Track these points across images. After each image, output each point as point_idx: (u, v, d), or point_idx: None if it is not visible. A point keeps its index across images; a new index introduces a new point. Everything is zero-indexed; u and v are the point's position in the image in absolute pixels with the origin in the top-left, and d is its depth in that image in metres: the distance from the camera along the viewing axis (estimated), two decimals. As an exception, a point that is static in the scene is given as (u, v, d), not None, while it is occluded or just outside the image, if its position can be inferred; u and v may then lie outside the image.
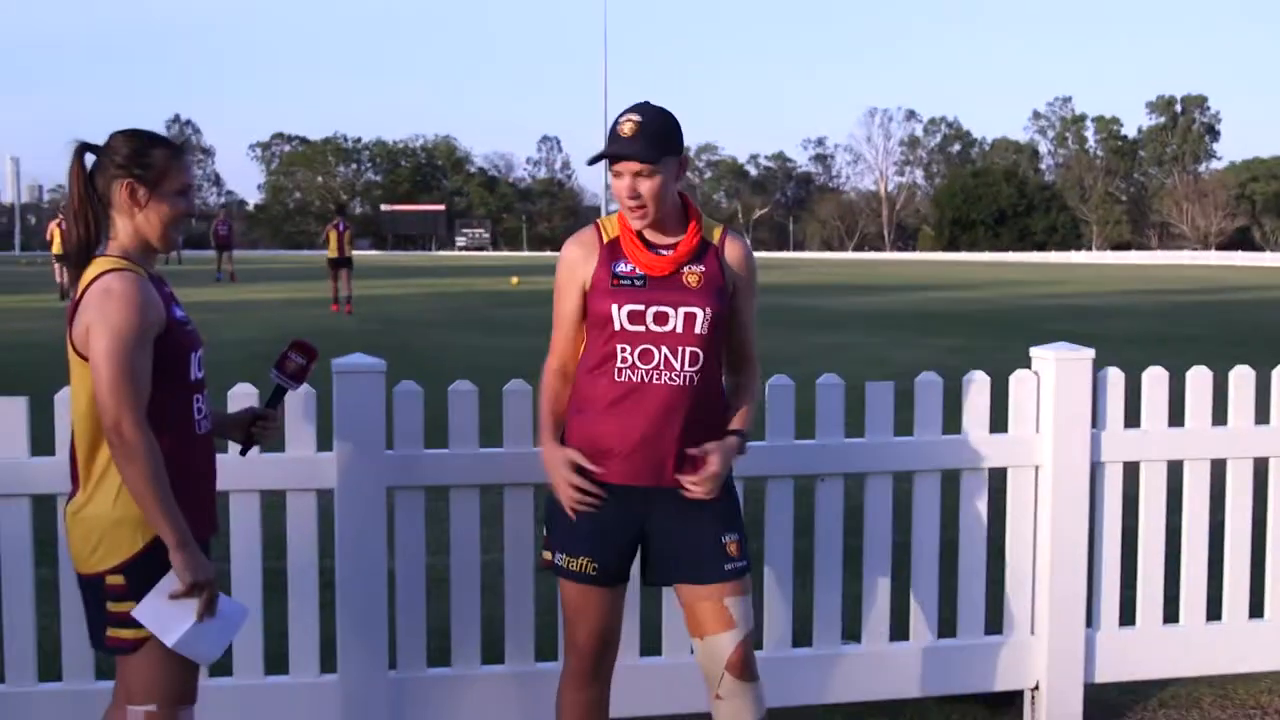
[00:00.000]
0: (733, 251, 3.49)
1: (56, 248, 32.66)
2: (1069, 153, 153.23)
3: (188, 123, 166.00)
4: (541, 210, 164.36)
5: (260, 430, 3.43)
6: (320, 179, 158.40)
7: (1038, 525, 4.57)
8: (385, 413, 4.08)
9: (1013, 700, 4.64)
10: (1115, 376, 4.62)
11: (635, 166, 3.32)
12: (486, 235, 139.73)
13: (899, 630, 4.58)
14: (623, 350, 3.38)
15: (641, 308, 3.37)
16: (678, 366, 3.37)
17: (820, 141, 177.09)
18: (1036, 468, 4.56)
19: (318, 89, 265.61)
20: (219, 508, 3.36)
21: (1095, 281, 46.64)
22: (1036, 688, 4.59)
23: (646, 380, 3.37)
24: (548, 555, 3.50)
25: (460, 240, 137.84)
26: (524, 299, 31.16)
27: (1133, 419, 4.66)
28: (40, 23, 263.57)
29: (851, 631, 4.59)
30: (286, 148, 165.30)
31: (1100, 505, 4.63)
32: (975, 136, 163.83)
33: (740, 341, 3.56)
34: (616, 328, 3.38)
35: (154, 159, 3.09)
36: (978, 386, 4.52)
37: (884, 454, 4.44)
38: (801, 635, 4.49)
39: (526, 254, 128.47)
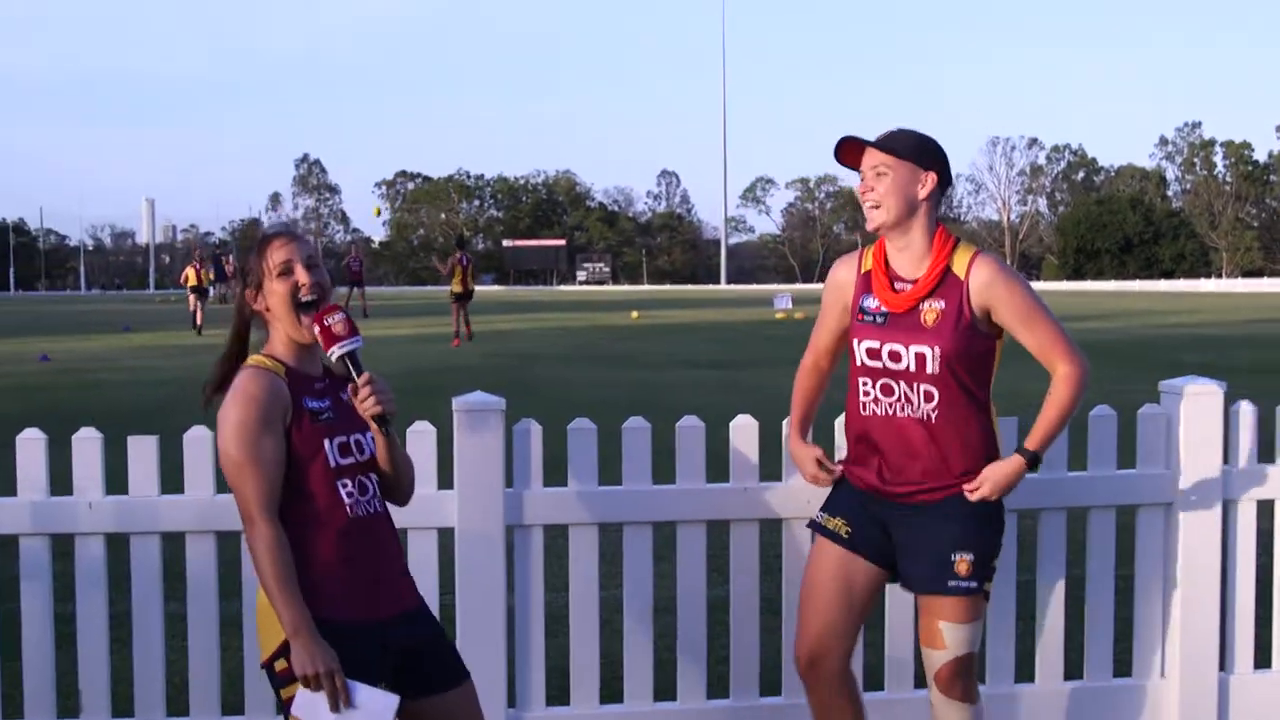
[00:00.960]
0: (979, 278, 3.50)
1: (192, 282, 33.59)
2: (1197, 178, 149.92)
3: (315, 161, 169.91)
4: (661, 244, 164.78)
5: (368, 405, 3.08)
6: (444, 215, 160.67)
7: (1168, 564, 4.44)
8: (505, 450, 4.10)
9: (1144, 745, 4.51)
10: (1247, 410, 4.48)
11: (874, 160, 3.49)
12: (607, 269, 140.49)
13: (1024, 672, 4.47)
14: (864, 384, 3.59)
15: (877, 345, 3.54)
16: (916, 402, 3.50)
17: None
18: (1167, 505, 4.43)
19: (440, 126, 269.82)
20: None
21: (1225, 310, 45.48)
22: (1169, 731, 4.45)
23: (889, 414, 3.55)
24: (816, 516, 3.79)
25: (581, 274, 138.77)
26: (644, 333, 31.25)
27: (1266, 453, 4.51)
28: (170, 63, 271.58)
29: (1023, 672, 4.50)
30: (410, 185, 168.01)
31: (1233, 543, 4.48)
32: (1100, 164, 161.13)
33: (1038, 350, 3.59)
34: (858, 363, 3.59)
35: (250, 264, 3.16)
36: (1105, 422, 4.42)
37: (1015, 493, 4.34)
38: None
39: (646, 287, 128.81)
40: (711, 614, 4.38)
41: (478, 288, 26.72)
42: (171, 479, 4.12)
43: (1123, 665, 4.52)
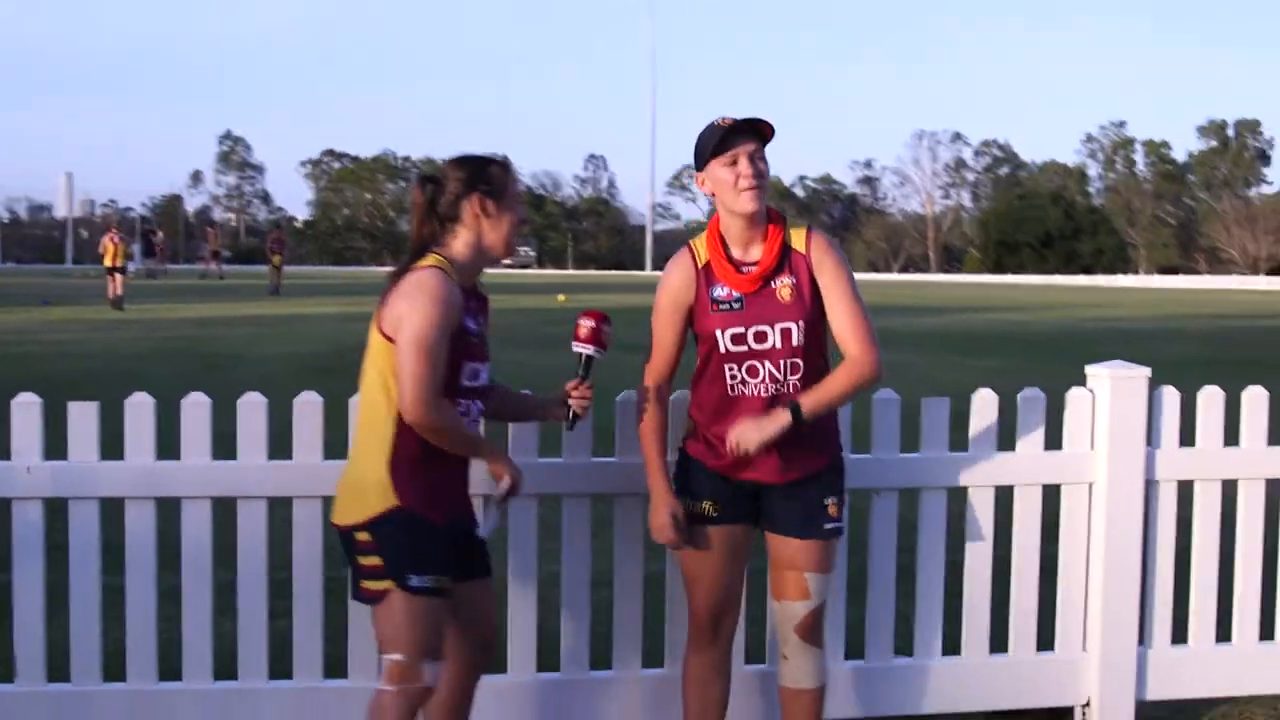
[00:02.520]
0: (818, 249, 3.65)
1: (109, 260, 33.09)
2: (1118, 176, 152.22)
3: (239, 139, 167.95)
4: (587, 229, 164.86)
5: (578, 400, 3.73)
6: (369, 196, 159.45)
7: (1091, 542, 4.57)
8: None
9: (1064, 717, 4.64)
10: (1171, 395, 4.62)
11: (756, 144, 3.58)
12: (532, 253, 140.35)
13: (951, 645, 4.59)
14: (730, 368, 3.65)
15: (742, 329, 3.61)
16: (781, 377, 3.61)
17: (868, 164, 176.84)
18: (1090, 484, 4.56)
19: (367, 106, 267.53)
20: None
21: (1143, 305, 46.28)
22: (1088, 704, 4.59)
23: (756, 394, 3.63)
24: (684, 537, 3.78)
25: (505, 259, 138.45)
26: (572, 316, 31.18)
27: (1186, 440, 4.65)
28: (91, 37, 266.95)
29: (903, 646, 4.60)
30: (336, 165, 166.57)
31: (1154, 523, 4.62)
32: (1024, 159, 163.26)
33: (843, 329, 3.65)
34: (722, 350, 3.63)
35: (494, 174, 3.49)
36: (1033, 403, 4.53)
37: (939, 469, 4.46)
38: (854, 648, 4.51)
39: (572, 272, 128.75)
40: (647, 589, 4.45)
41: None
42: (108, 450, 4.12)
43: (1046, 639, 4.64)
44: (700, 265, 3.70)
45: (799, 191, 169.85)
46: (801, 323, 3.60)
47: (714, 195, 3.66)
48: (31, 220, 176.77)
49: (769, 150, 3.65)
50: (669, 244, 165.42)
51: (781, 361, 3.61)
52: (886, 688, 4.48)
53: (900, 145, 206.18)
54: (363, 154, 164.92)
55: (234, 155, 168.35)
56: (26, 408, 4.08)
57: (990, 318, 34.07)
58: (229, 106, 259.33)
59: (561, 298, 40.58)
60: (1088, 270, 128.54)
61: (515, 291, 49.50)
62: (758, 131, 3.59)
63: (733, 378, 3.65)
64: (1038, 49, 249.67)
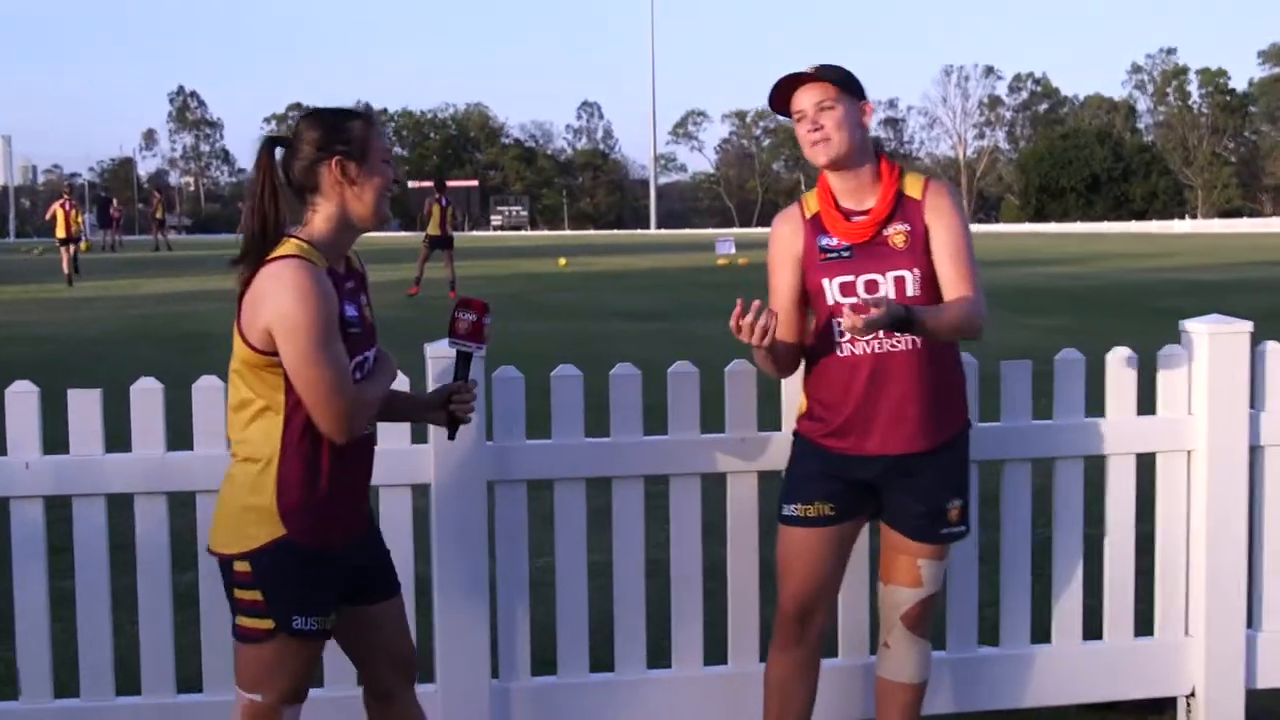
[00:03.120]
0: (934, 198, 3.70)
1: (60, 231, 33.12)
2: (1170, 110, 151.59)
3: (192, 94, 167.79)
4: (583, 185, 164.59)
5: (459, 406, 3.51)
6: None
7: (1191, 515, 4.60)
8: (485, 401, 4.17)
9: (1165, 708, 4.68)
10: (1275, 351, 4.63)
11: (817, 95, 3.63)
12: (524, 213, 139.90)
13: (1040, 632, 4.62)
14: (838, 325, 3.67)
15: (851, 278, 3.67)
16: (897, 333, 3.58)
17: (891, 104, 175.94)
18: (1189, 452, 4.59)
19: (336, 55, 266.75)
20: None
21: (1205, 252, 46.24)
22: (1192, 694, 4.62)
23: (870, 350, 3.67)
24: (785, 509, 3.87)
25: (496, 219, 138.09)
26: (574, 281, 31.28)
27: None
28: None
29: (988, 634, 4.64)
30: (310, 109, 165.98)
31: (1260, 493, 4.65)
32: (1065, 94, 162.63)
33: (952, 282, 3.68)
34: (830, 302, 3.69)
35: (354, 131, 3.26)
36: (1123, 364, 4.55)
37: (1022, 439, 4.49)
38: (935, 638, 4.54)
39: (569, 233, 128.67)
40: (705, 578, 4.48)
41: (383, 235, 26.63)
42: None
43: (1144, 624, 4.67)
44: (808, 217, 3.79)
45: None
46: (916, 271, 3.67)
47: None
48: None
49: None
50: (674, 199, 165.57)
51: None
52: (969, 681, 4.51)
53: (927, 82, 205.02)
54: (321, 104, 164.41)
55: (188, 112, 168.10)
56: (22, 397, 4.10)
57: (1039, 271, 34.06)
58: (181, 60, 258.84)
59: (562, 261, 40.56)
60: (1140, 215, 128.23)
61: (511, 256, 49.52)
62: (824, 76, 3.67)
63: (841, 335, 3.70)
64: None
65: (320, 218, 3.27)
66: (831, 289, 3.71)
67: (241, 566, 3.22)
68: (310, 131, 3.27)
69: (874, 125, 3.80)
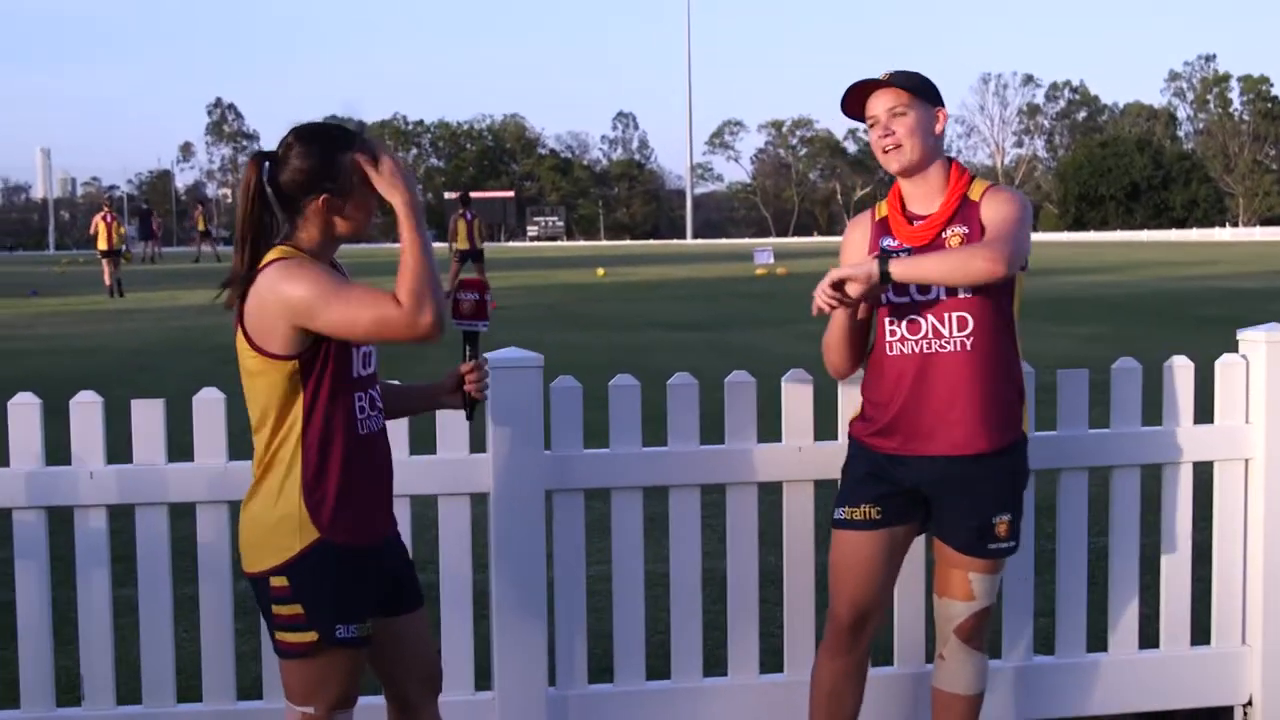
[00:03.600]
0: (990, 205, 3.71)
1: (102, 243, 33.34)
2: (1210, 117, 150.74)
3: (229, 106, 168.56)
4: (619, 195, 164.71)
5: (473, 385, 3.51)
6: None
7: (1249, 524, 4.60)
8: (543, 411, 4.21)
9: (1222, 718, 4.68)
10: (1334, 359, 4.62)
11: (890, 101, 3.67)
12: (560, 223, 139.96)
13: (1096, 641, 4.62)
14: (890, 324, 3.71)
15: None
16: (946, 333, 3.65)
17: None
18: (1247, 461, 4.60)
19: (372, 67, 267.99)
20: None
21: (1247, 260, 45.96)
22: (1249, 704, 4.62)
23: (917, 350, 3.68)
24: (836, 513, 3.89)
25: (532, 230, 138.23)
26: (613, 292, 31.32)
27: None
28: (62, 1, 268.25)
29: (1044, 643, 4.64)
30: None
31: (1318, 501, 4.64)
32: (1104, 102, 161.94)
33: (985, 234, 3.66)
34: (884, 301, 3.69)
35: (342, 168, 3.23)
36: (1180, 372, 4.56)
37: (1078, 448, 4.50)
38: (991, 647, 4.55)
39: (605, 243, 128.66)
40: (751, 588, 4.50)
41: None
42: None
43: (1201, 633, 4.67)
44: (877, 220, 3.85)
45: (850, 146, 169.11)
46: None
47: None
48: (7, 203, 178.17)
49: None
50: (710, 209, 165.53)
51: (946, 315, 3.65)
52: (1024, 689, 4.52)
53: (965, 90, 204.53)
54: (369, 119, 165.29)
55: (225, 124, 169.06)
56: (86, 408, 4.16)
57: (1079, 280, 33.92)
58: (218, 72, 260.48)
59: (600, 271, 40.65)
60: (1180, 224, 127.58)
61: (548, 266, 49.62)
62: (897, 83, 3.70)
63: (892, 334, 3.72)
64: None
65: (305, 235, 3.28)
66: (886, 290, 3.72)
67: (278, 581, 3.22)
68: (298, 161, 3.25)
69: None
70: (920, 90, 3.71)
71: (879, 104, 3.72)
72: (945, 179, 3.77)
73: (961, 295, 3.64)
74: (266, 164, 3.28)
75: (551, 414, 4.25)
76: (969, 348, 3.67)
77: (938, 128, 3.75)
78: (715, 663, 4.52)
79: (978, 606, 3.86)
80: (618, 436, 4.29)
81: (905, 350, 3.71)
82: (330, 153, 3.25)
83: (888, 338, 3.74)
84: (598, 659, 4.49)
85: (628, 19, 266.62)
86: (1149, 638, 4.66)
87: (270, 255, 3.22)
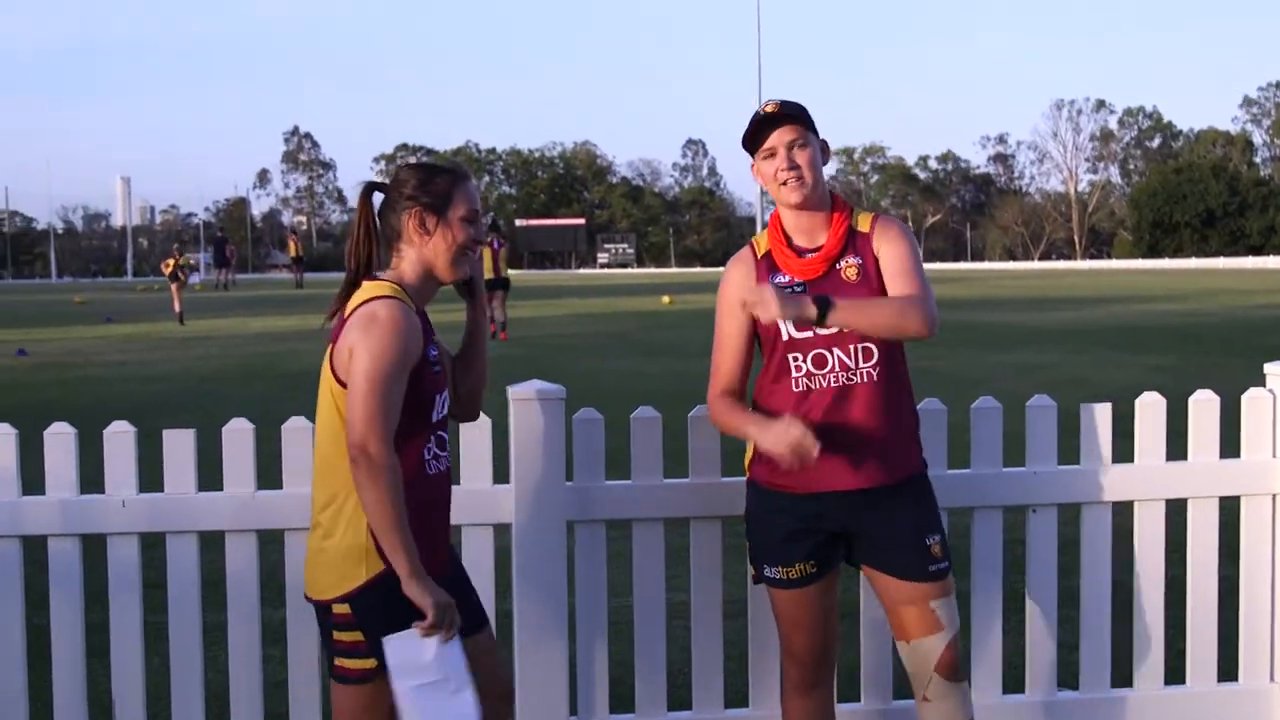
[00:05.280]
0: (883, 235, 3.71)
1: (168, 271, 34.26)
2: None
3: (306, 136, 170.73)
4: (690, 222, 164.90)
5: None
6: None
7: (1276, 559, 4.57)
8: (565, 442, 4.25)
9: (1251, 754, 4.64)
10: (1362, 394, 4.59)
11: (791, 135, 3.65)
12: (631, 251, 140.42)
13: (1121, 677, 4.60)
14: (795, 360, 3.68)
15: None
16: (853, 365, 3.64)
17: (1001, 139, 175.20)
18: (1275, 495, 4.57)
19: (446, 95, 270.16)
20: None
21: (1322, 289, 45.31)
22: (1278, 741, 4.58)
23: (825, 385, 3.65)
24: (755, 571, 3.81)
25: (602, 257, 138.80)
26: (679, 319, 31.38)
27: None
28: (144, 30, 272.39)
29: (1067, 678, 4.63)
30: (412, 160, 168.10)
31: (1347, 537, 4.60)
32: (1178, 128, 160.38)
33: (893, 293, 3.64)
34: (785, 337, 3.67)
35: (439, 186, 3.44)
36: (1205, 407, 4.54)
37: (1102, 482, 4.48)
38: (1011, 680, 4.55)
39: (675, 270, 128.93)
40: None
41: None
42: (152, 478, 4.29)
43: (1228, 669, 4.64)
44: (760, 256, 3.80)
45: (921, 173, 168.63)
46: None
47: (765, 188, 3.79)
48: (88, 230, 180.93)
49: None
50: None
51: (852, 347, 3.63)
52: (1050, 724, 4.50)
53: (1037, 117, 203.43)
54: (441, 148, 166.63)
55: (301, 153, 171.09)
56: (120, 437, 4.25)
57: (1147, 308, 33.63)
58: (295, 101, 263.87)
59: (666, 299, 40.73)
60: (1257, 251, 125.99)
61: (614, 294, 49.77)
62: (794, 117, 3.68)
63: (798, 370, 3.67)
64: (1185, 1, 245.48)
65: (406, 264, 3.45)
66: (786, 325, 3.64)
67: (341, 609, 3.32)
68: (403, 181, 3.46)
69: (982, 161, 3.82)
70: (812, 124, 3.71)
71: (779, 137, 3.67)
72: (829, 211, 3.75)
73: None
74: (376, 194, 3.49)
75: (573, 446, 4.29)
76: (876, 378, 3.65)
77: (824, 159, 3.76)
78: (737, 694, 4.53)
79: (950, 635, 3.74)
80: (639, 468, 4.32)
81: (813, 385, 3.66)
82: (431, 173, 3.47)
83: (793, 374, 3.68)
84: (619, 689, 4.52)
85: (698, 46, 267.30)
86: (1175, 674, 4.63)
87: (370, 290, 3.37)
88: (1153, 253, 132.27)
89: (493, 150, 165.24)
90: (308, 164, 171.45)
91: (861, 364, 3.65)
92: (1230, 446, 4.60)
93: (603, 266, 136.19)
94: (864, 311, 3.53)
